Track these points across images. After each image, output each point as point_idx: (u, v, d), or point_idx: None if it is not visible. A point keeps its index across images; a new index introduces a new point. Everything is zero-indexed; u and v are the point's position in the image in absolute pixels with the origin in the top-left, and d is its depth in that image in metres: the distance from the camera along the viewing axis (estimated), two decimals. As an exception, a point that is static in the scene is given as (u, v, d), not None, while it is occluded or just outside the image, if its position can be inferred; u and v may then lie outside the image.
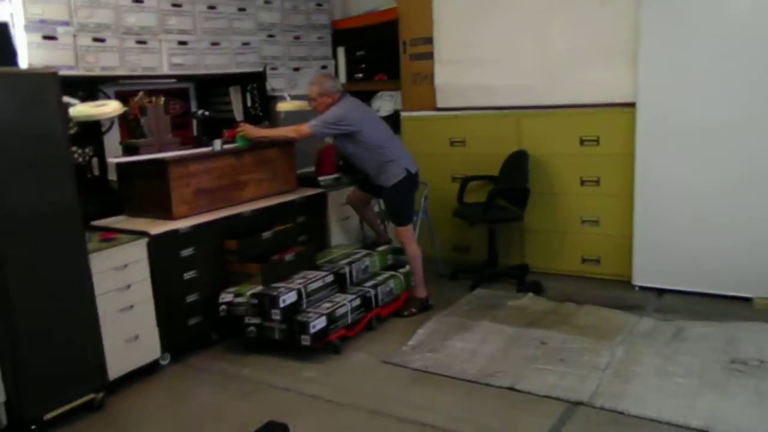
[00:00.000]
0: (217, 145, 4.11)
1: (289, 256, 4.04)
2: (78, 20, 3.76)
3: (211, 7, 4.61)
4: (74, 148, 3.81)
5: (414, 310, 4.32)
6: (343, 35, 5.86)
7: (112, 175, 4.03)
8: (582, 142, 4.69)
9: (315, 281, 3.90)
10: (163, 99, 3.91)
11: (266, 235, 4.07)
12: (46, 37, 3.63)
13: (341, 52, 5.96)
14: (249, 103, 4.97)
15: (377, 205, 5.03)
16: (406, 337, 3.90)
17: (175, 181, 3.78)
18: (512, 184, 4.73)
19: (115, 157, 3.91)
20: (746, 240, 4.07)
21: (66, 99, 3.39)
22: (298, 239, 4.41)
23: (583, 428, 2.84)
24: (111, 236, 3.49)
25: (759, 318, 3.85)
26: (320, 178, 4.90)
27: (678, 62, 4.16)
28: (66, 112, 3.44)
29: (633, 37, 4.33)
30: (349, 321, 3.87)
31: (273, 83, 5.19)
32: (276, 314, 3.65)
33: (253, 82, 4.99)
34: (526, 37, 4.81)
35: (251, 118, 4.88)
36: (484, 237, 5.01)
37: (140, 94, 3.93)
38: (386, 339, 3.94)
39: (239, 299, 3.77)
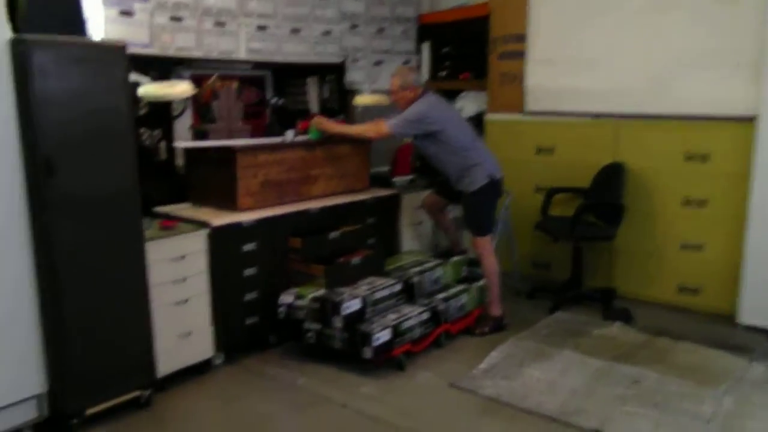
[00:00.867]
0: (289, 135, 3.87)
1: (355, 260, 3.75)
2: (156, -3, 3.61)
3: (294, -8, 4.39)
4: (142, 130, 3.65)
5: (487, 329, 3.95)
6: (429, 30, 5.54)
7: (180, 161, 3.86)
8: (688, 157, 4.20)
9: (382, 289, 3.59)
10: (236, 84, 3.71)
11: (333, 235, 3.80)
12: (123, 13, 3.48)
13: (426, 47, 5.64)
14: (326, 96, 4.72)
15: (453, 212, 4.69)
16: (477, 358, 3.54)
17: (242, 170, 3.56)
18: (605, 199, 4.28)
19: (183, 141, 3.72)
20: None
21: (135, 76, 3.23)
22: (367, 242, 4.12)
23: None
24: (171, 224, 3.29)
25: None
26: (394, 179, 4.59)
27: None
28: (134, 91, 3.28)
29: (758, 43, 3.82)
30: (416, 336, 3.55)
31: (352, 76, 4.94)
32: (337, 321, 3.36)
33: (332, 73, 4.74)
34: (631, 38, 4.35)
35: (327, 111, 4.64)
36: (567, 254, 4.58)
37: (214, 77, 3.74)
38: (455, 359, 3.60)
39: (300, 302, 3.51)
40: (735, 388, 3.11)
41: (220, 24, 4.01)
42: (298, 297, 3.52)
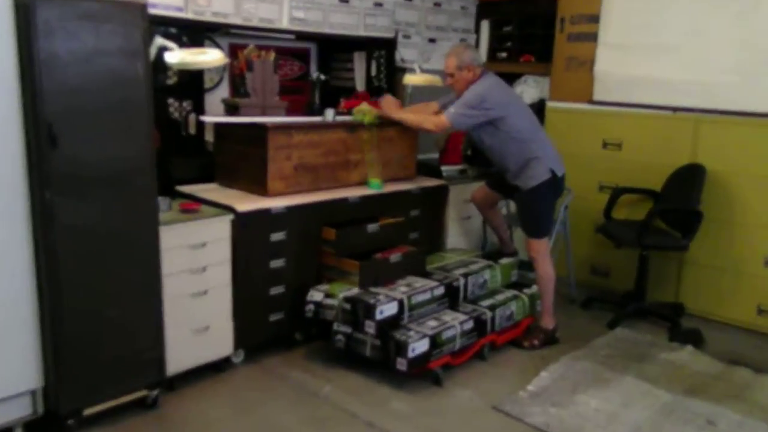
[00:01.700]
0: (329, 115, 3.50)
1: (394, 257, 3.38)
2: (190, -46, 3.27)
3: (345, -43, 4.00)
4: (170, 101, 3.34)
5: (537, 342, 3.54)
6: (489, 7, 5.08)
7: (210, 136, 3.54)
8: (781, 161, 3.67)
9: (421, 292, 3.21)
10: (273, 54, 3.34)
11: (372, 227, 3.43)
12: (153, -28, 3.16)
13: (485, 26, 5.19)
14: (374, 73, 4.33)
15: (505, 208, 4.27)
16: (524, 378, 3.14)
17: (275, 151, 3.21)
18: (680, 204, 3.79)
19: (213, 116, 3.40)
20: None
21: (161, 41, 2.90)
22: (409, 237, 3.74)
23: None
24: (193, 207, 2.98)
25: None
26: (443, 168, 4.18)
27: None
28: (160, 57, 2.95)
29: None
30: (457, 347, 3.16)
31: (403, 53, 4.53)
32: (370, 326, 3.00)
33: (382, 49, 4.34)
34: (722, 22, 3.82)
35: (373, 90, 4.25)
36: (631, 262, 4.11)
37: (250, 46, 3.39)
38: (499, 376, 3.21)
39: (329, 301, 3.16)
40: (832, 440, 2.64)
41: (261, -12, 3.65)
42: (328, 295, 3.17)
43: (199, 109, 3.45)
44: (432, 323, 3.14)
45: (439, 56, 4.86)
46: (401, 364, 2.93)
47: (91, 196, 2.41)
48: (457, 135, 4.21)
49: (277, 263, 3.19)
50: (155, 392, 2.76)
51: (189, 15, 3.35)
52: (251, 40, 3.80)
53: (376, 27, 4.32)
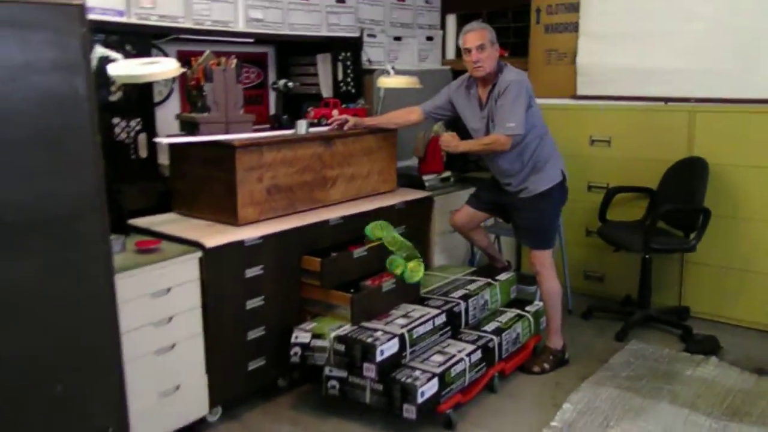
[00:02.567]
0: (302, 127, 3.07)
1: (387, 283, 2.98)
2: (131, -51, 2.81)
3: (304, -51, 3.59)
4: (115, 120, 2.85)
5: (547, 366, 3.20)
6: (454, 1, 4.74)
7: (164, 159, 3.07)
8: (786, 152, 3.44)
9: (422, 322, 2.83)
10: (235, 61, 2.90)
11: (359, 252, 3.02)
12: (88, -30, 2.67)
13: (451, 20, 4.85)
14: (340, 77, 3.92)
15: (493, 218, 3.92)
16: (544, 411, 2.80)
17: (244, 172, 2.77)
18: (680, 201, 3.52)
19: (167, 135, 2.93)
20: None
21: (102, 51, 2.43)
22: (396, 257, 3.34)
23: None
24: (152, 245, 2.51)
25: None
26: (425, 177, 3.81)
27: None
28: (103, 69, 2.48)
29: None
30: (467, 382, 2.80)
31: (369, 53, 4.14)
32: (370, 370, 2.60)
33: (347, 50, 3.94)
34: (712, 4, 3.58)
35: (342, 95, 3.84)
36: (626, 265, 3.86)
37: (207, 53, 2.93)
38: (515, 411, 2.85)
39: (319, 342, 2.74)
40: None
41: (212, -14, 3.20)
42: (317, 335, 2.75)
43: (150, 127, 2.97)
44: (437, 358, 2.77)
45: (406, 56, 4.52)
46: (409, 412, 2.54)
47: (21, 247, 1.91)
48: (438, 139, 3.83)
49: (254, 303, 2.75)
50: (119, 474, 2.28)
51: (132, 19, 2.88)
52: (202, 45, 3.35)
53: (340, 26, 3.92)
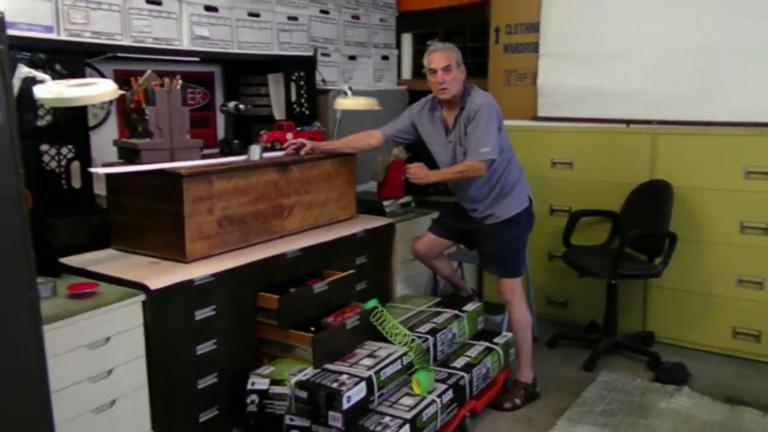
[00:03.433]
0: (255, 153, 2.84)
1: (351, 320, 2.77)
2: (61, -41, 2.55)
3: (253, -37, 3.39)
4: (44, 147, 2.56)
5: (518, 401, 3.04)
6: (410, 19, 4.62)
7: (101, 189, 2.78)
8: (748, 174, 3.41)
9: (389, 362, 2.63)
10: (180, 82, 2.65)
11: (319, 287, 2.80)
12: (10, -21, 2.41)
13: (407, 39, 4.71)
14: (293, 97, 3.71)
15: (455, 246, 3.76)
16: (521, 454, 2.63)
17: (192, 204, 2.52)
18: (649, 226, 3.45)
19: (104, 164, 2.65)
20: None
21: (27, 71, 2.15)
22: (356, 289, 3.14)
23: None
24: (88, 288, 2.22)
25: None
26: (385, 203, 3.62)
27: None
28: (28, 92, 2.20)
29: None
30: (438, 425, 2.60)
31: (323, 73, 3.95)
32: (335, 419, 2.38)
33: (300, 69, 3.74)
34: (675, 25, 3.54)
35: (296, 117, 3.63)
36: (590, 290, 3.77)
37: (148, 73, 2.68)
38: (490, 454, 2.68)
39: (278, 389, 2.49)
40: None
41: (154, 2, 2.96)
42: (275, 381, 2.50)
43: (85, 155, 2.69)
44: (407, 401, 2.57)
45: (361, 75, 4.34)
46: (380, 465, 2.33)
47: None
48: (398, 163, 3.67)
49: (205, 347, 2.49)
50: None
51: (62, 36, 2.61)
52: (142, 64, 3.10)
53: (292, 45, 3.72)
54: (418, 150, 4.17)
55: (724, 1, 3.41)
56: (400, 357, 2.67)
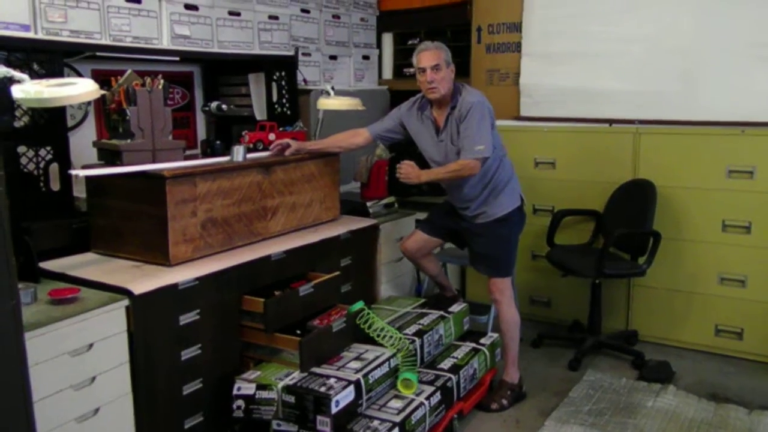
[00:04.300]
0: (239, 154, 2.79)
1: (337, 323, 2.74)
2: (38, -45, 2.48)
3: (234, -40, 3.34)
4: (21, 149, 2.49)
5: (505, 402, 3.04)
6: (391, 18, 4.61)
7: (80, 191, 2.72)
8: (730, 173, 3.45)
9: (377, 365, 2.60)
10: (162, 82, 2.60)
11: (305, 289, 2.76)
12: (-16, -23, 2.34)
13: (388, 39, 4.70)
14: (275, 97, 3.67)
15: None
16: (510, 455, 2.62)
17: (176, 206, 2.46)
18: (633, 225, 3.47)
19: (84, 166, 2.58)
20: None
21: (4, 70, 2.08)
22: (341, 291, 3.11)
23: None
24: (70, 294, 2.16)
25: None
26: (369, 203, 3.60)
27: None
28: (5, 92, 2.13)
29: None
30: (427, 428, 2.58)
31: (304, 73, 3.91)
32: (324, 423, 2.34)
33: (281, 69, 3.69)
34: (656, 25, 3.57)
35: (277, 117, 3.59)
36: (573, 290, 3.80)
37: (128, 72, 2.62)
38: (478, 456, 2.66)
39: (264, 393, 2.45)
40: None
41: (133, 0, 2.89)
42: (262, 387, 2.46)
43: (63, 157, 2.62)
44: (395, 404, 2.55)
45: (342, 76, 4.32)
46: (370, 469, 2.30)
47: None
48: (382, 163, 3.65)
49: (190, 353, 2.44)
50: None
51: (39, 35, 2.54)
52: (120, 64, 3.04)
53: (273, 44, 3.68)
54: (401, 150, 4.18)
55: (706, 5, 3.44)
56: (388, 359, 2.65)
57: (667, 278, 3.66)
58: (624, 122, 3.70)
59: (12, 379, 1.80)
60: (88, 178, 2.55)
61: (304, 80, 3.88)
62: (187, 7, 3.16)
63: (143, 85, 2.54)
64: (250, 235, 2.83)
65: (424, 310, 3.20)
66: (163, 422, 2.37)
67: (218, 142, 3.01)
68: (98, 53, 2.86)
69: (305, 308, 2.75)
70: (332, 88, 3.45)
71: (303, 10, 3.93)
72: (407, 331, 2.93)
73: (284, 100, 3.71)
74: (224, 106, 3.06)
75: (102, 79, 2.85)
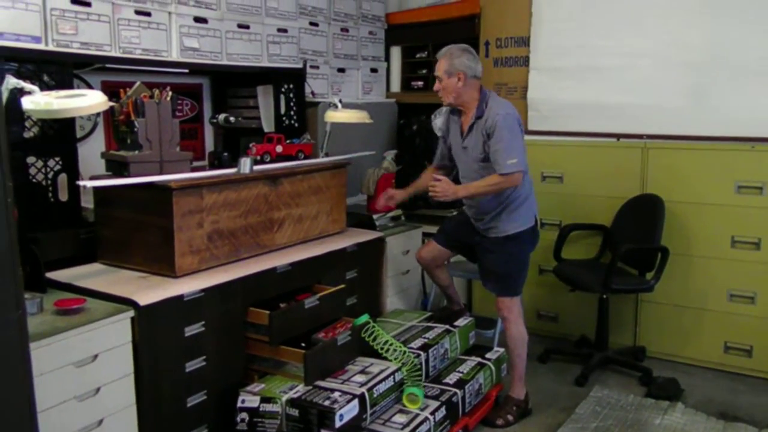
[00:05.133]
0: (246, 166, 2.80)
1: (342, 335, 2.73)
2: (50, -30, 2.51)
3: (243, -25, 3.37)
4: (31, 159, 2.51)
5: (511, 418, 3.01)
6: (399, 32, 4.62)
7: (88, 202, 2.73)
8: (739, 188, 3.43)
9: (382, 379, 2.59)
10: (170, 94, 2.61)
11: (310, 302, 2.76)
12: (3, -7, 2.37)
13: (396, 52, 4.71)
14: (282, 110, 3.68)
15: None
16: (515, 472, 2.59)
17: (182, 217, 2.47)
18: (641, 241, 3.45)
19: (92, 177, 2.59)
20: None
21: (15, 81, 2.11)
22: (347, 304, 3.10)
23: None
24: (76, 304, 2.17)
25: None
26: (375, 216, 3.59)
27: None
28: (16, 103, 2.15)
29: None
30: (432, 443, 2.57)
31: (312, 85, 3.93)
32: (328, 438, 2.33)
33: (289, 82, 3.71)
34: (664, 40, 3.56)
35: (285, 130, 3.60)
36: (582, 305, 3.78)
37: (137, 84, 2.64)
38: (484, 472, 2.64)
39: (269, 406, 2.44)
40: None
41: (143, 13, 2.93)
42: (266, 399, 2.45)
43: (72, 167, 2.63)
44: (400, 419, 2.53)
45: (350, 88, 4.33)
46: (374, 484, 2.28)
47: None
48: (389, 176, 3.65)
49: (194, 365, 2.43)
50: None
51: (50, 47, 2.56)
52: (129, 75, 3.07)
53: (282, 57, 3.70)
54: (407, 163, 4.19)
55: (712, 15, 3.43)
56: (393, 373, 2.63)
57: (676, 294, 3.63)
58: (632, 137, 3.69)
59: (17, 390, 1.80)
60: (96, 189, 2.56)
61: (312, 93, 3.90)
62: (197, 19, 3.18)
63: (151, 96, 2.55)
64: (256, 247, 2.83)
65: (429, 324, 3.19)
66: (167, 434, 2.36)
67: (225, 153, 3.02)
68: (108, 65, 2.88)
69: (310, 321, 2.75)
70: (340, 101, 3.46)
71: (312, 23, 3.96)
72: (413, 344, 2.91)
73: (292, 113, 3.72)
74: (232, 118, 3.07)
75: (111, 90, 2.87)
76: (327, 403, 2.37)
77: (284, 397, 2.43)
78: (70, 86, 2.60)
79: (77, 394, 2.06)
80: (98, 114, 3.03)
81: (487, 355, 3.15)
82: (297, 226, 3.05)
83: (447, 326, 3.14)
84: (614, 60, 3.69)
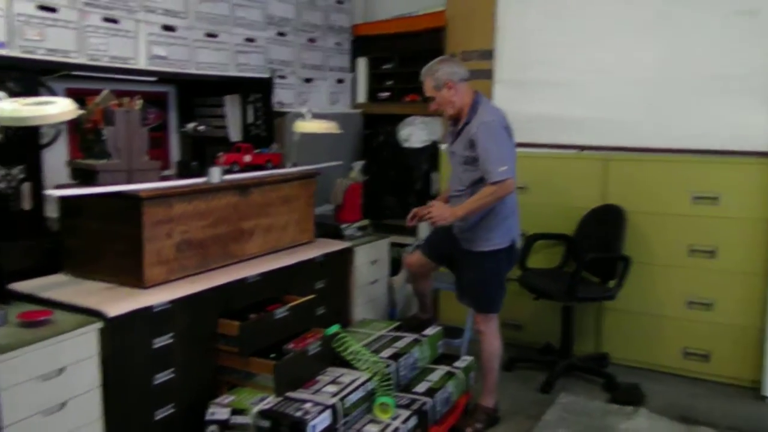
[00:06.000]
0: (215, 175, 2.78)
1: (312, 346, 2.72)
2: (15, -27, 2.46)
3: (212, -17, 3.36)
4: (-7, 168, 2.44)
5: (479, 425, 3.04)
6: (366, 43, 4.66)
7: (52, 211, 2.67)
8: (695, 199, 3.55)
9: (354, 389, 2.59)
10: (140, 102, 2.58)
11: (280, 312, 2.74)
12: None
13: (362, 63, 4.74)
14: (250, 119, 3.67)
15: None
16: (485, 479, 2.62)
17: (151, 227, 2.44)
18: (603, 250, 3.53)
19: (58, 186, 2.54)
20: None
21: (-20, 88, 2.05)
22: (316, 315, 3.10)
23: None
24: (41, 316, 2.12)
25: None
26: (343, 226, 3.60)
27: None
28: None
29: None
30: (403, 452, 2.57)
31: (279, 95, 3.93)
32: (300, 449, 2.32)
33: (257, 91, 3.70)
34: (624, 55, 3.67)
35: (253, 139, 3.59)
36: (545, 313, 3.84)
37: (105, 92, 2.60)
38: (454, 480, 2.65)
39: (239, 419, 2.41)
40: None
41: (111, 20, 2.90)
42: (236, 411, 2.42)
43: (36, 176, 2.57)
44: (372, 429, 2.53)
45: (317, 98, 4.34)
46: (346, 494, 2.28)
47: None
48: (356, 186, 3.66)
49: (163, 377, 2.39)
50: None
51: (15, 52, 2.51)
52: (95, 83, 3.01)
53: (249, 66, 3.70)
54: (374, 173, 4.21)
55: (665, 34, 3.55)
56: (364, 383, 2.64)
57: (637, 302, 3.72)
58: (593, 148, 3.79)
59: (-20, 405, 1.76)
60: (61, 198, 2.51)
61: (279, 102, 3.90)
62: (165, 27, 3.16)
63: (120, 105, 2.52)
64: (226, 257, 2.81)
65: (398, 334, 3.20)
66: (135, 448, 2.32)
67: (194, 162, 2.99)
68: (73, 72, 2.83)
69: (281, 331, 2.73)
70: (309, 111, 3.46)
71: (279, 33, 3.97)
72: (383, 354, 2.92)
73: (260, 122, 3.71)
74: (201, 128, 3.05)
75: (76, 98, 2.81)
76: (299, 414, 2.35)
77: (255, 409, 2.41)
78: (36, 93, 2.55)
79: (43, 409, 2.00)
80: (62, 123, 2.97)
81: (456, 364, 3.18)
82: (266, 236, 3.04)
83: (416, 335, 3.16)
84: (575, 75, 3.79)
